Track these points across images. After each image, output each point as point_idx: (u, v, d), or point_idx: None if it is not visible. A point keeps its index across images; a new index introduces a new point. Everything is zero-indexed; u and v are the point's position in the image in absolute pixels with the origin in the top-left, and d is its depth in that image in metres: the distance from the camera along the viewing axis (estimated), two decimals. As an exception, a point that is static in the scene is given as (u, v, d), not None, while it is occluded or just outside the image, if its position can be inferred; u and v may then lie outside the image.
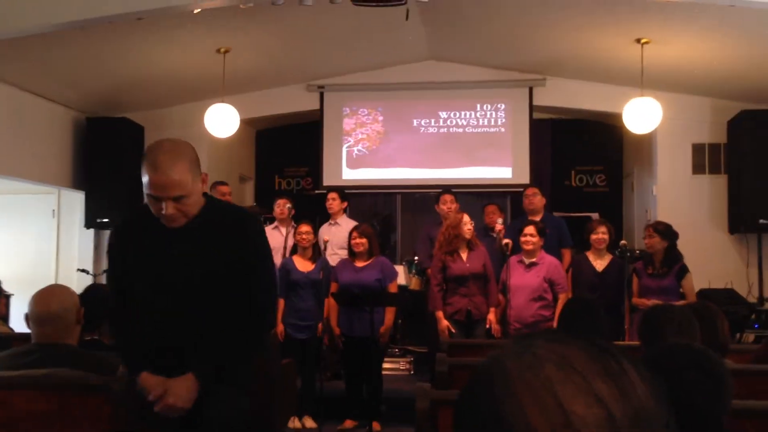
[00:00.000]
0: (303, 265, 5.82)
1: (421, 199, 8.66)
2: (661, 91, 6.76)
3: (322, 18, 6.37)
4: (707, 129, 7.37)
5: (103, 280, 6.62)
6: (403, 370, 7.07)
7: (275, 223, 6.70)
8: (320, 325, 5.75)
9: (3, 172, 6.53)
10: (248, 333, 2.49)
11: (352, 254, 5.81)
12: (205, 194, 2.57)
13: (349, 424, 5.75)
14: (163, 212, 2.40)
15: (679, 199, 7.22)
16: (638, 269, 5.63)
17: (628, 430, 0.64)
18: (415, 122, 8.13)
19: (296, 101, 8.19)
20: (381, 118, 8.18)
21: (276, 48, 6.90)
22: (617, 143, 8.83)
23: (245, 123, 7.25)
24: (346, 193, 6.89)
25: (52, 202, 7.96)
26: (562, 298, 5.48)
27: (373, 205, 8.75)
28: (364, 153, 8.24)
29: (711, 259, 6.79)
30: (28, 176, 6.90)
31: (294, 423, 5.61)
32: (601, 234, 5.63)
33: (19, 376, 2.61)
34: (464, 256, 5.57)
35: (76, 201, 7.74)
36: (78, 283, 6.16)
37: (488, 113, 8.00)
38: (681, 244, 5.62)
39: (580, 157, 8.84)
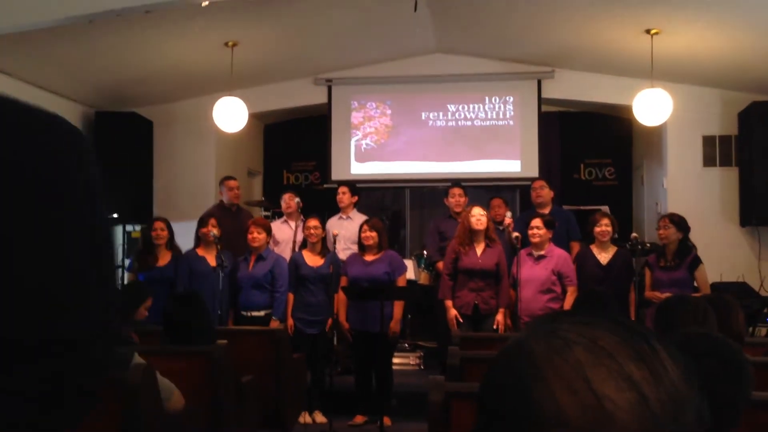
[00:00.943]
0: (312, 259, 5.82)
1: (429, 194, 8.64)
2: (670, 82, 6.72)
3: (329, 11, 6.36)
4: (718, 121, 7.32)
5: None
6: (413, 365, 7.06)
7: (284, 218, 6.70)
8: (330, 320, 5.74)
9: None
10: None
11: (362, 248, 5.81)
12: None
13: (359, 419, 5.74)
14: None
15: (690, 192, 7.18)
16: (650, 262, 5.60)
17: (661, 413, 0.63)
18: (423, 115, 8.11)
19: (304, 95, 8.17)
20: (389, 111, 8.16)
21: (284, 41, 6.89)
22: (626, 136, 8.78)
23: (253, 117, 7.25)
24: (356, 187, 6.88)
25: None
26: (571, 291, 5.47)
27: (381, 200, 8.74)
28: (372, 147, 8.22)
29: (722, 253, 6.75)
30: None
31: (305, 418, 5.60)
32: (604, 226, 5.61)
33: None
34: (479, 250, 5.56)
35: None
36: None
37: (497, 106, 7.97)
38: (692, 237, 5.59)
39: (589, 150, 8.79)
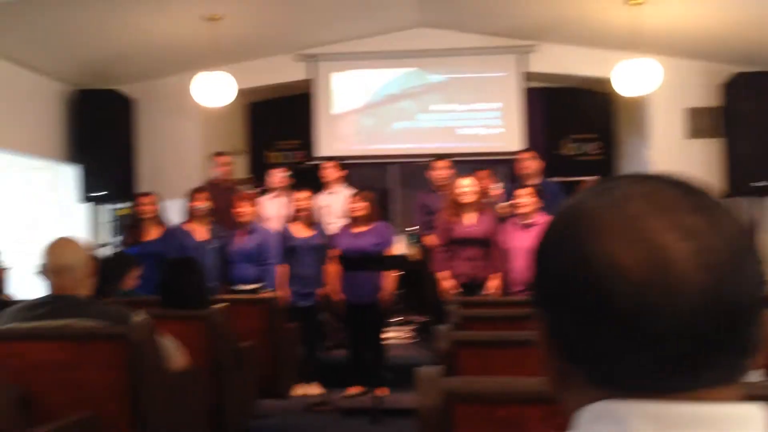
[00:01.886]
0: (302, 231, 5.80)
1: (416, 170, 8.62)
2: (653, 54, 6.73)
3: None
4: (700, 93, 7.37)
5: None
6: (406, 338, 7.08)
7: (275, 193, 6.65)
8: (321, 291, 5.73)
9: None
10: None
11: (352, 220, 5.79)
12: None
13: (354, 390, 5.75)
14: None
15: (673, 165, 7.21)
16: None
17: (721, 264, 0.62)
18: (406, 91, 8.09)
19: (286, 71, 8.10)
20: (372, 87, 8.13)
21: (266, 16, 6.82)
22: (610, 110, 8.82)
23: (237, 95, 7.17)
24: (343, 163, 6.85)
25: (47, 177, 7.85)
26: (563, 259, 5.49)
27: (367, 178, 8.71)
28: (356, 123, 8.19)
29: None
30: (21, 149, 6.80)
31: (303, 389, 5.60)
32: None
33: (33, 327, 2.59)
34: (469, 219, 5.56)
35: (70, 176, 7.64)
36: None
37: (479, 81, 7.96)
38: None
39: (574, 125, 8.82)
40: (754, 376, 1.24)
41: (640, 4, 6.06)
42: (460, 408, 1.50)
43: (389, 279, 5.68)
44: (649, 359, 0.61)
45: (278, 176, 6.58)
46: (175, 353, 2.91)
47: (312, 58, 8.03)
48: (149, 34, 6.71)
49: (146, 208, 5.73)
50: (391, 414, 5.13)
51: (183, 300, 3.44)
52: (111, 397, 2.54)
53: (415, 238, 7.40)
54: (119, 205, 7.44)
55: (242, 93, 7.56)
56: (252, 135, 9.37)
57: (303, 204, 5.77)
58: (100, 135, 7.23)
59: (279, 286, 5.61)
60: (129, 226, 5.80)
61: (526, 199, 5.48)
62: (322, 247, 5.78)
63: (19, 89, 6.70)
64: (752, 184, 6.86)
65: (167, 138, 7.90)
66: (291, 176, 6.94)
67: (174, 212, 6.19)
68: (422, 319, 7.23)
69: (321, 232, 5.83)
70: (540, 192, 5.61)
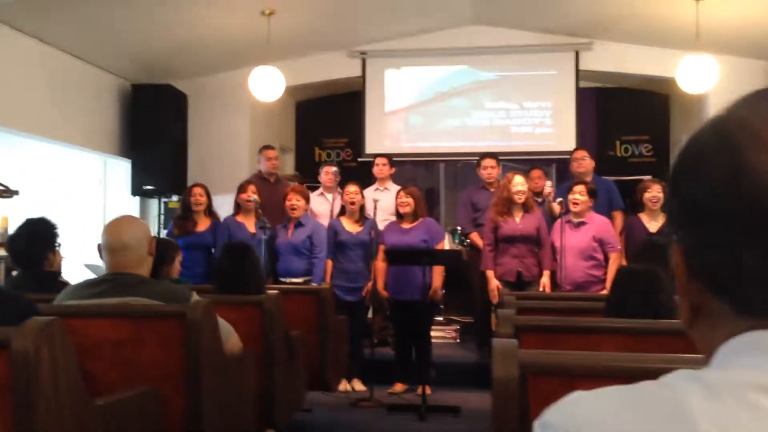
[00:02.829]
0: (351, 226, 5.79)
1: (463, 169, 8.57)
2: (713, 53, 6.58)
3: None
4: (761, 93, 7.16)
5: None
6: (449, 338, 7.03)
7: (320, 190, 6.66)
8: (368, 285, 5.71)
9: (49, 135, 6.56)
10: None
11: (399, 217, 5.78)
12: None
13: (399, 387, 5.72)
14: None
15: (731, 165, 7.04)
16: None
17: None
18: (458, 89, 8.03)
19: (338, 68, 8.13)
20: (423, 84, 8.09)
21: (320, 10, 6.84)
22: (664, 112, 8.65)
23: (286, 93, 7.21)
24: (394, 160, 6.83)
25: (98, 171, 8.00)
26: (614, 258, 5.39)
27: (414, 176, 8.68)
28: (406, 121, 8.16)
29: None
30: (76, 142, 6.93)
31: (344, 386, 5.59)
32: (655, 192, 5.50)
33: (93, 304, 2.60)
34: (517, 217, 5.50)
35: (121, 169, 7.77)
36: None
37: (533, 78, 7.86)
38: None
39: (626, 126, 8.67)
40: None
41: (703, -1, 5.92)
42: (536, 381, 1.44)
43: (437, 275, 5.63)
44: None
45: (329, 173, 6.58)
46: (230, 337, 2.91)
47: (364, 55, 8.03)
48: (204, 28, 6.78)
49: (199, 198, 5.78)
50: (435, 411, 5.11)
51: (239, 285, 3.44)
52: (167, 376, 2.54)
53: (459, 238, 7.36)
54: (169, 199, 7.52)
55: (292, 90, 7.62)
56: (300, 132, 9.42)
57: (353, 198, 5.76)
58: (153, 129, 7.33)
59: (326, 281, 5.61)
60: (179, 217, 5.85)
61: (580, 196, 5.39)
62: (369, 242, 5.76)
63: (75, 82, 6.83)
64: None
65: (217, 133, 7.99)
66: (339, 173, 6.95)
67: (221, 206, 6.23)
68: (465, 319, 7.17)
69: (369, 227, 5.81)
70: (593, 192, 5.51)
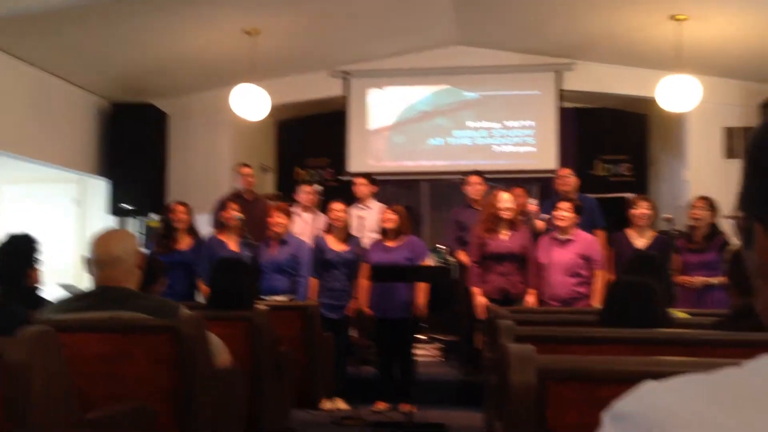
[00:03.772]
0: (336, 244, 5.75)
1: (447, 188, 8.58)
2: (692, 73, 6.67)
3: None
4: (739, 112, 7.28)
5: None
6: (432, 356, 6.98)
7: (299, 210, 6.61)
8: (352, 303, 5.66)
9: (27, 154, 6.45)
10: None
11: (384, 233, 5.75)
12: None
13: (382, 405, 5.66)
14: None
15: (711, 184, 7.09)
16: (678, 246, 5.53)
17: None
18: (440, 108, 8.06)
19: (321, 87, 8.12)
20: (406, 104, 8.11)
21: (304, 30, 6.83)
22: (643, 131, 8.75)
23: (268, 112, 7.17)
24: (375, 179, 6.81)
25: (74, 191, 7.89)
26: (599, 275, 5.39)
27: (396, 195, 8.66)
28: (388, 140, 8.16)
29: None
30: (53, 161, 6.82)
31: (328, 404, 5.51)
32: (643, 209, 5.52)
33: (80, 318, 2.53)
34: (504, 235, 5.48)
35: (98, 189, 7.67)
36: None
37: (515, 98, 7.91)
38: (714, 228, 5.52)
39: (606, 146, 8.75)
40: None
41: (685, 19, 6.00)
42: (556, 387, 1.41)
43: (421, 292, 5.60)
44: None
45: (308, 193, 6.55)
46: (220, 351, 2.84)
47: (347, 75, 8.03)
48: (187, 48, 6.74)
49: (181, 216, 5.70)
50: (420, 429, 5.07)
51: (229, 302, 3.38)
52: (156, 391, 2.47)
53: (442, 256, 7.35)
54: (148, 218, 7.43)
55: (274, 110, 7.57)
56: (281, 152, 9.38)
57: (339, 215, 5.72)
58: (132, 148, 7.26)
59: (310, 299, 5.55)
60: (161, 235, 5.76)
61: (566, 213, 5.40)
62: (354, 261, 5.72)
63: (53, 100, 6.74)
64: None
65: (198, 153, 7.92)
66: (321, 193, 6.92)
67: (202, 227, 6.15)
68: (448, 338, 7.14)
69: (354, 246, 5.78)
70: (579, 209, 5.52)
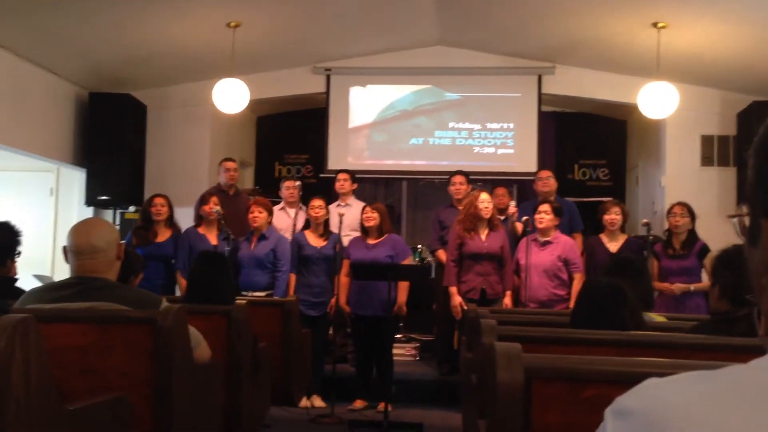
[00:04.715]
0: (315, 240, 5.73)
1: (425, 187, 8.59)
2: (671, 81, 6.74)
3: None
4: (716, 121, 7.37)
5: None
6: (409, 355, 6.98)
7: (282, 204, 6.58)
8: (333, 300, 5.65)
9: (2, 142, 6.33)
10: None
11: (365, 232, 5.75)
12: None
13: (359, 404, 5.65)
14: None
15: (688, 191, 7.16)
16: (657, 251, 5.58)
17: None
18: (422, 108, 8.06)
19: (302, 84, 8.08)
20: (387, 102, 8.10)
21: (286, 24, 6.79)
22: (621, 137, 8.84)
23: (247, 107, 7.11)
24: (356, 176, 6.80)
25: (50, 180, 7.78)
26: (578, 278, 5.43)
27: (375, 194, 8.66)
28: (368, 138, 8.15)
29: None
30: (29, 149, 6.71)
31: (305, 402, 5.49)
32: (614, 214, 5.59)
33: (58, 308, 2.48)
34: (483, 235, 5.50)
35: (74, 179, 7.57)
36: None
37: (496, 100, 7.94)
38: (690, 235, 5.59)
39: (584, 150, 8.83)
40: None
41: (665, 27, 6.06)
42: (541, 386, 1.41)
43: (402, 290, 5.60)
44: None
45: (291, 188, 6.52)
46: (199, 345, 2.81)
47: (329, 72, 8.00)
48: (167, 39, 6.66)
49: (160, 209, 5.65)
50: (398, 428, 5.07)
51: (209, 296, 3.35)
52: (135, 384, 2.44)
53: (419, 255, 7.36)
54: (126, 210, 7.35)
55: (253, 104, 7.53)
56: (260, 147, 9.33)
57: (318, 212, 5.70)
58: (110, 139, 7.16)
59: (289, 295, 5.52)
60: (139, 228, 5.70)
61: (546, 214, 5.43)
62: (333, 257, 5.70)
63: (30, 88, 6.63)
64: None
65: (176, 145, 7.85)
66: (300, 189, 6.88)
67: (179, 219, 6.09)
68: (425, 337, 7.14)
69: (334, 242, 5.76)
70: (558, 210, 5.56)
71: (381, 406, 5.37)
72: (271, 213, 5.75)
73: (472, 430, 2.93)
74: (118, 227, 7.04)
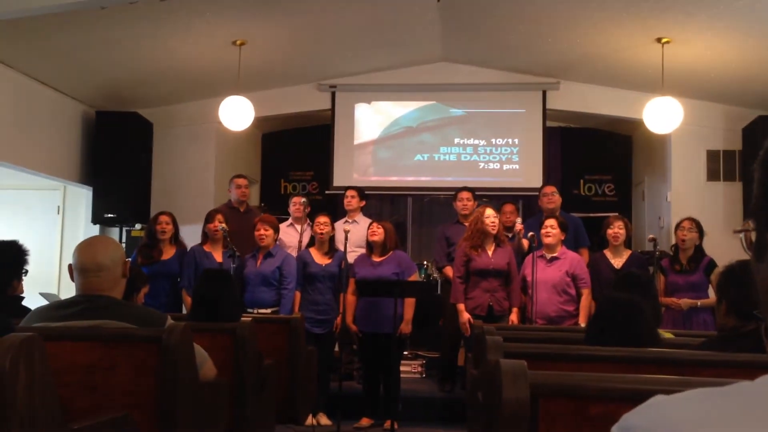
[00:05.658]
0: (320, 258, 5.72)
1: (431, 204, 8.60)
2: (676, 96, 6.74)
3: (340, 11, 6.32)
4: (722, 136, 7.36)
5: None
6: (414, 372, 6.95)
7: (289, 221, 6.59)
8: (338, 319, 5.63)
9: (9, 160, 6.37)
10: None
11: (370, 249, 5.74)
12: None
13: (365, 422, 5.62)
14: None
15: (694, 206, 7.15)
16: (664, 267, 5.56)
17: None
18: (427, 124, 8.07)
19: (307, 101, 8.11)
20: (392, 119, 8.12)
21: (291, 43, 6.83)
22: (626, 152, 8.84)
23: (252, 124, 7.15)
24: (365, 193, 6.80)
25: (56, 198, 7.81)
26: (586, 294, 5.40)
27: (381, 210, 8.66)
28: (374, 155, 8.16)
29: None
30: (36, 168, 6.74)
31: (310, 420, 5.46)
32: (617, 228, 5.55)
33: (64, 326, 2.48)
34: (489, 251, 5.49)
35: (81, 197, 7.60)
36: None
37: (501, 117, 7.95)
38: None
39: (590, 166, 8.82)
40: None
41: (669, 42, 6.06)
42: (547, 403, 1.40)
43: (409, 307, 5.58)
44: None
45: (297, 204, 6.52)
46: (204, 363, 2.81)
47: (334, 89, 8.03)
48: (173, 57, 6.71)
49: (165, 227, 5.66)
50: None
51: (215, 313, 3.34)
52: (140, 402, 2.43)
53: (425, 272, 7.34)
54: (132, 227, 7.37)
55: (260, 121, 7.57)
56: (266, 164, 9.36)
57: (323, 229, 5.70)
58: (116, 157, 7.20)
59: (294, 312, 5.51)
60: (144, 245, 5.71)
61: (552, 229, 5.42)
62: (338, 275, 5.70)
63: (38, 107, 6.67)
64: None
65: (182, 163, 7.88)
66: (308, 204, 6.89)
67: (185, 236, 6.10)
68: (431, 354, 7.11)
69: (339, 259, 5.75)
70: (564, 225, 5.54)
71: (387, 424, 5.34)
72: (277, 230, 5.75)
73: (478, 447, 2.91)
74: (124, 245, 7.08)
